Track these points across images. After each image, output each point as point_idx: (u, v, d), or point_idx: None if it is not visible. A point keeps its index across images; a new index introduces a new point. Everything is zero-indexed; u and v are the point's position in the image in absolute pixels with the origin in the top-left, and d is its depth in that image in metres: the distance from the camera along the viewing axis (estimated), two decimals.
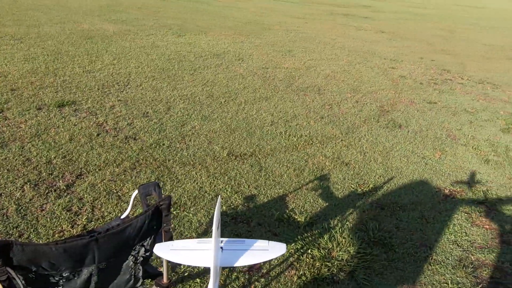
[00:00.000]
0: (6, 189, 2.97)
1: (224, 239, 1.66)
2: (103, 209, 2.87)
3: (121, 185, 3.18)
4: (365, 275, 2.55)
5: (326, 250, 2.74)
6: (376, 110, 5.66)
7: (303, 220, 3.02)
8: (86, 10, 11.32)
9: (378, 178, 3.81)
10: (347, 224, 3.05)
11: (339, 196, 3.43)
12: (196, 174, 3.48)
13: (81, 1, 12.99)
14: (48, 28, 8.47)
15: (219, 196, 1.57)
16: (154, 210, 1.48)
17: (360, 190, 3.56)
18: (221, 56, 7.68)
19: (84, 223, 2.71)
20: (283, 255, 2.65)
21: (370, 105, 5.84)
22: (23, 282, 1.31)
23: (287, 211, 3.12)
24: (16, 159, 3.37)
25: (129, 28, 9.36)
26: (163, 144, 3.93)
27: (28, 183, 3.07)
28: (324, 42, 10.37)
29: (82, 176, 3.25)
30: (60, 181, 3.14)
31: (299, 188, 3.48)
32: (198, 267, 2.46)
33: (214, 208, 1.49)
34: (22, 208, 2.79)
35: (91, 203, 2.92)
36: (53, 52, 6.65)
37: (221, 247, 1.61)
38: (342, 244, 2.81)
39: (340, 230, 2.95)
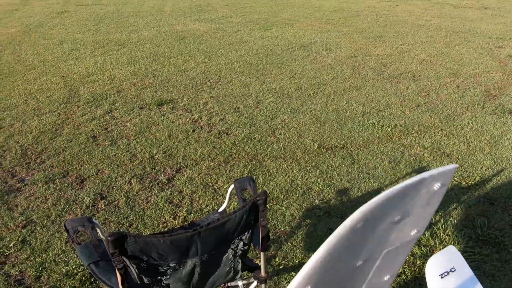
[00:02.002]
0: (117, 183, 3.27)
1: None
2: (201, 202, 3.03)
3: (216, 179, 3.32)
4: None
5: (428, 248, 2.57)
6: (480, 95, 5.16)
7: None
8: (178, 13, 11.97)
9: (485, 170, 3.47)
10: (450, 220, 2.83)
11: None
12: (287, 167, 3.50)
13: (174, 4, 13.76)
14: (146, 32, 9.13)
15: None
16: (251, 205, 1.51)
17: (464, 183, 3.28)
18: (308, 47, 7.59)
19: (185, 215, 2.88)
20: None
21: (474, 89, 5.33)
22: (136, 270, 1.43)
23: None
24: (124, 155, 3.70)
25: (218, 26, 9.69)
26: (254, 138, 4.01)
27: (135, 177, 3.34)
28: (418, 25, 9.70)
29: (181, 170, 3.45)
30: (162, 175, 3.38)
31: (395, 181, 3.31)
32: (293, 260, 2.47)
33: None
34: (130, 200, 3.05)
35: (190, 196, 3.09)
36: (151, 54, 7.15)
37: None
38: (445, 241, 2.62)
39: (443, 227, 2.75)
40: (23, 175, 3.38)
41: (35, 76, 5.95)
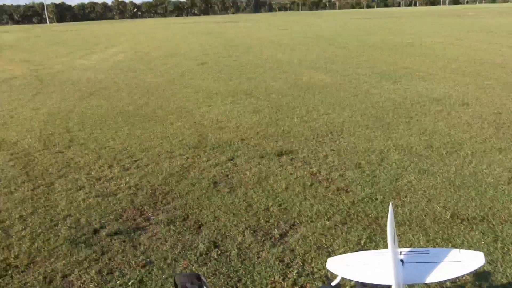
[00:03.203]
0: (231, 232, 3.28)
1: (404, 250, 1.47)
2: (313, 265, 2.83)
3: (332, 241, 3.10)
4: None
5: None
6: None
7: None
8: (306, 64, 12.32)
9: None
10: None
11: None
12: (412, 236, 3.11)
13: (303, 56, 14.26)
14: (273, 82, 9.53)
15: (390, 203, 1.70)
16: None
17: None
18: (442, 101, 7.01)
19: (295, 277, 2.71)
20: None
21: None
22: None
23: None
24: (241, 204, 3.73)
25: (344, 78, 9.65)
26: (376, 199, 3.71)
27: (248, 229, 3.32)
28: None
29: (295, 227, 3.32)
30: (275, 230, 3.29)
31: None
32: None
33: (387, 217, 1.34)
34: (242, 252, 3.01)
35: (302, 257, 2.93)
36: (276, 104, 7.37)
37: (401, 260, 1.40)
38: None
39: None
40: (150, 215, 3.62)
41: (172, 121, 6.56)
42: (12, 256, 3.04)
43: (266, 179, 4.22)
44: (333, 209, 3.57)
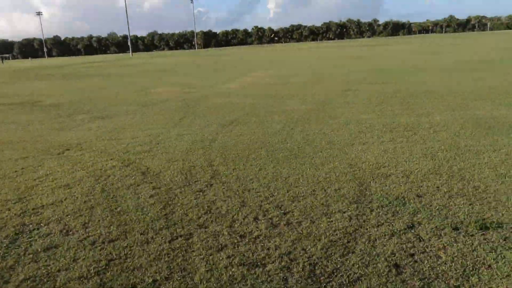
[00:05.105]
0: None
1: None
2: None
3: None
4: None
5: None
6: None
7: None
8: (479, 94, 10.32)
9: None
10: None
11: None
12: None
13: (474, 84, 12.17)
14: (438, 117, 7.94)
15: None
16: None
17: None
18: None
19: None
20: None
21: None
22: None
23: None
24: None
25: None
26: None
27: None
28: None
29: None
30: None
31: None
32: None
33: None
34: None
35: None
36: (451, 147, 5.86)
37: None
38: None
39: None
40: None
41: (322, 161, 5.58)
42: None
43: (476, 273, 2.88)
44: None
